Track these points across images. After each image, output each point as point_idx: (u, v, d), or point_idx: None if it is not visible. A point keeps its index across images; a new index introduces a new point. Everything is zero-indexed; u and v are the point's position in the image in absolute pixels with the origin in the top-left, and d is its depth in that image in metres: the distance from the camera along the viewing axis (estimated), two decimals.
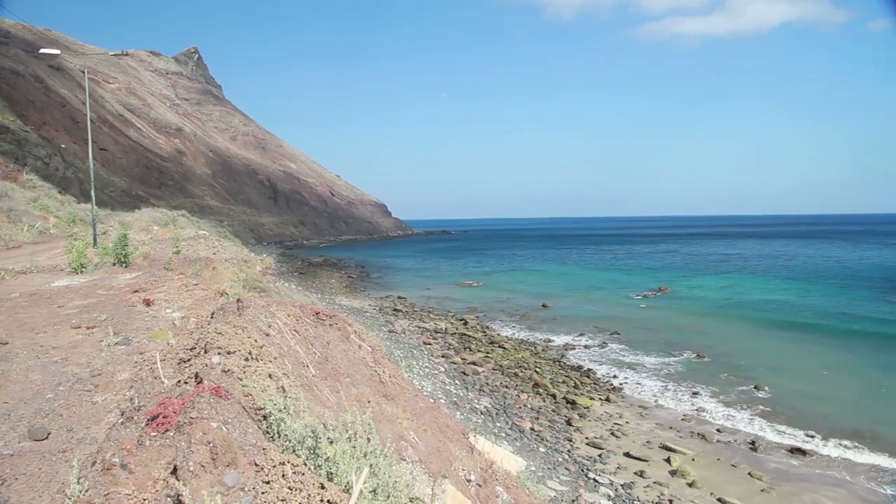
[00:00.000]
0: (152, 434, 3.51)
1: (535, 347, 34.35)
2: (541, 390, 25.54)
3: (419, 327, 39.03)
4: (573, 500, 15.65)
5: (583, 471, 17.66)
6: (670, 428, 21.51)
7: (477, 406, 23.12)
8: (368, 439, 4.47)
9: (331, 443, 4.03)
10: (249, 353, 4.94)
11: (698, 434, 20.88)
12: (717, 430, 21.26)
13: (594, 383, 27.02)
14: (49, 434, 5.22)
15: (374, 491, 4.15)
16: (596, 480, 17.00)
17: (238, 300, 7.10)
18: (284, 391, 4.51)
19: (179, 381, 4.50)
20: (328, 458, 3.88)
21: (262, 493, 3.14)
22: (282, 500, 3.13)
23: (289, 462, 3.35)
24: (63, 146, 71.37)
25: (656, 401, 24.63)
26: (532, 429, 21.00)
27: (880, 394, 25.18)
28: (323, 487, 3.34)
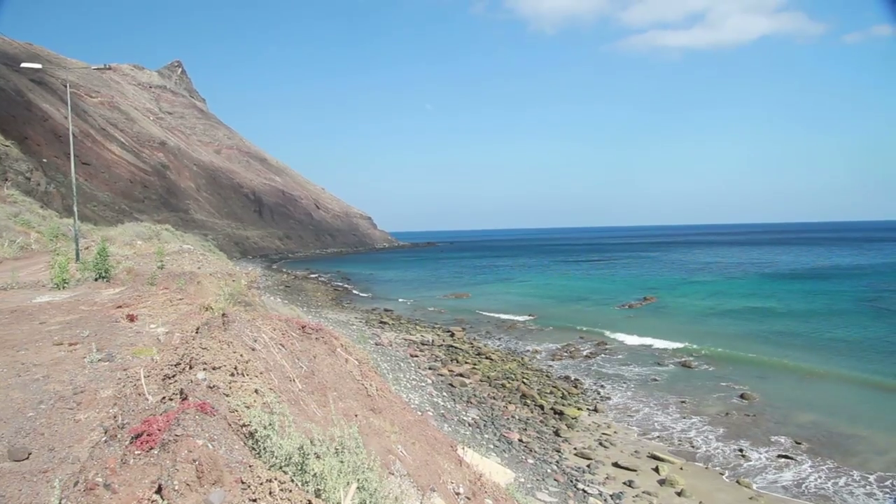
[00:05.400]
0: (136, 452, 3.45)
1: (522, 358, 34.34)
2: (528, 401, 25.51)
3: (406, 339, 38.90)
4: None
5: (572, 482, 17.64)
6: (658, 437, 21.56)
7: (465, 418, 23.04)
8: (356, 454, 4.43)
9: (318, 458, 4.00)
10: (235, 368, 4.90)
11: (686, 443, 20.95)
12: (705, 439, 21.33)
13: (582, 394, 27.04)
14: (30, 454, 5.12)
15: None
16: (585, 491, 16.98)
17: (223, 315, 7.04)
18: (271, 407, 4.47)
19: (164, 398, 4.44)
20: (316, 474, 3.85)
21: None
22: None
23: (276, 479, 3.31)
24: (45, 161, 70.75)
25: (644, 410, 24.68)
26: (520, 440, 20.96)
27: (866, 399, 25.44)
28: None
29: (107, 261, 15.61)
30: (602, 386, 28.41)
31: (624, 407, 25.23)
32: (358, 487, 4.09)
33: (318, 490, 3.80)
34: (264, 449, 3.91)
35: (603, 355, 35.16)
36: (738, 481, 17.79)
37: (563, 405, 24.92)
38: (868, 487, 17.29)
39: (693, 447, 20.58)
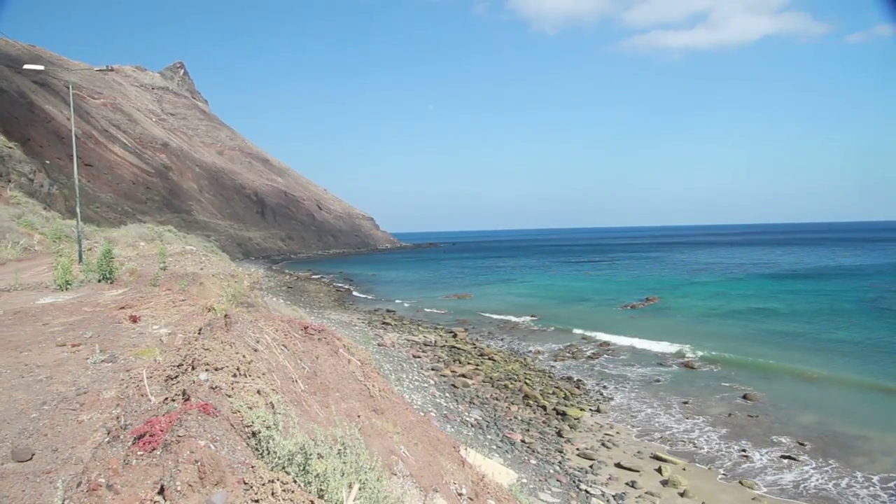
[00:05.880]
0: (139, 453, 3.46)
1: (525, 359, 34.33)
2: (531, 402, 25.50)
3: (408, 340, 38.91)
4: None
5: (574, 482, 17.62)
6: (661, 438, 21.53)
7: (467, 419, 23.03)
8: (358, 455, 4.43)
9: (321, 459, 4.00)
10: (237, 369, 4.90)
11: (689, 443, 20.92)
12: (708, 440, 21.30)
13: (584, 394, 27.02)
14: (33, 455, 5.13)
15: None
16: (587, 492, 16.96)
17: (226, 315, 7.04)
18: (273, 407, 4.47)
19: (167, 399, 4.45)
20: (318, 474, 3.85)
21: None
22: None
23: (278, 480, 3.32)
24: (48, 162, 70.91)
25: (646, 411, 24.65)
26: (523, 441, 20.94)
27: (870, 400, 25.38)
28: None
29: (111, 262, 15.63)
30: (605, 387, 28.38)
31: (627, 407, 25.20)
32: (360, 488, 4.09)
33: (321, 490, 3.80)
34: (267, 450, 3.91)
35: (605, 356, 35.12)
36: (740, 482, 17.76)
37: (566, 406, 24.91)
38: (871, 489, 17.25)
39: (696, 448, 20.55)
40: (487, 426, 22.37)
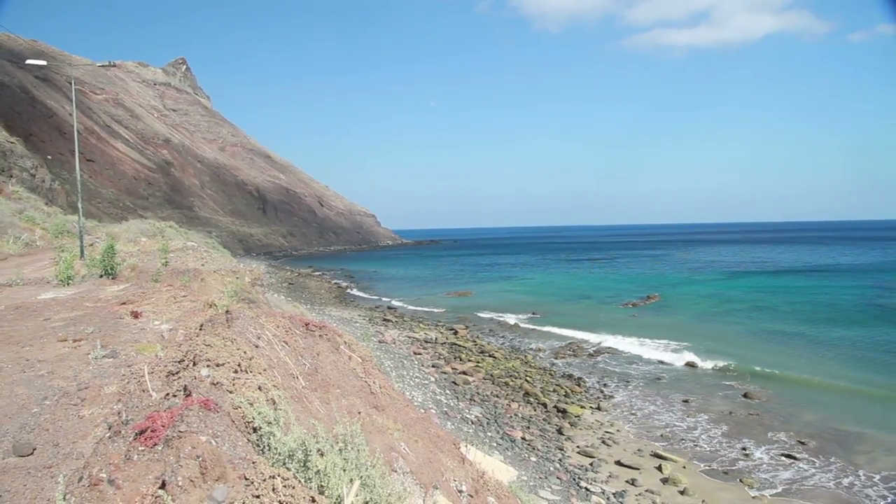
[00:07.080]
0: (140, 448, 3.46)
1: (526, 356, 34.32)
2: (531, 399, 25.51)
3: (409, 337, 38.92)
4: None
5: (574, 480, 17.63)
6: (661, 436, 21.53)
7: (468, 416, 23.05)
8: (359, 451, 4.43)
9: (321, 455, 4.00)
10: (238, 365, 4.90)
11: (690, 441, 20.92)
12: (709, 438, 21.30)
13: (585, 392, 27.03)
14: (34, 449, 5.13)
15: (366, 503, 4.11)
16: (588, 489, 16.97)
17: (227, 312, 7.04)
18: (274, 403, 4.47)
19: (168, 394, 4.45)
20: (319, 470, 3.85)
21: None
22: None
23: (279, 475, 3.32)
24: (50, 157, 70.93)
25: (647, 409, 24.65)
26: (523, 438, 20.96)
27: (871, 398, 25.36)
28: (314, 501, 3.30)
29: (113, 258, 15.63)
30: (605, 384, 28.37)
31: (627, 405, 25.20)
32: (361, 485, 4.09)
33: (321, 487, 3.81)
34: (268, 445, 3.91)
35: (606, 354, 35.11)
36: (741, 480, 17.75)
37: (567, 403, 24.92)
38: (875, 488, 17.23)
39: (696, 446, 20.55)
40: (488, 423, 22.39)
